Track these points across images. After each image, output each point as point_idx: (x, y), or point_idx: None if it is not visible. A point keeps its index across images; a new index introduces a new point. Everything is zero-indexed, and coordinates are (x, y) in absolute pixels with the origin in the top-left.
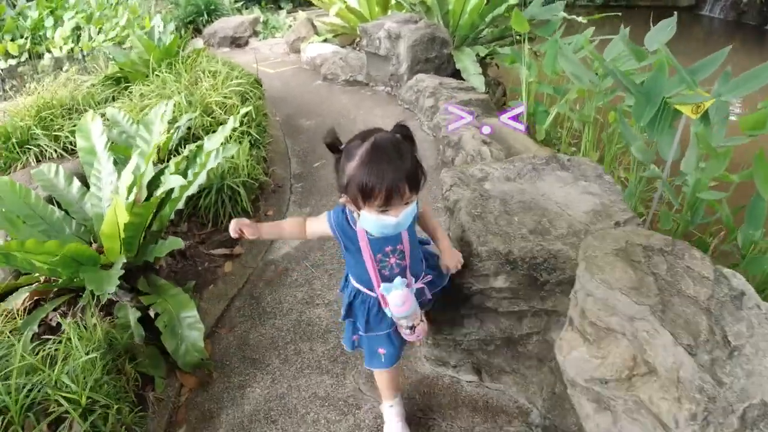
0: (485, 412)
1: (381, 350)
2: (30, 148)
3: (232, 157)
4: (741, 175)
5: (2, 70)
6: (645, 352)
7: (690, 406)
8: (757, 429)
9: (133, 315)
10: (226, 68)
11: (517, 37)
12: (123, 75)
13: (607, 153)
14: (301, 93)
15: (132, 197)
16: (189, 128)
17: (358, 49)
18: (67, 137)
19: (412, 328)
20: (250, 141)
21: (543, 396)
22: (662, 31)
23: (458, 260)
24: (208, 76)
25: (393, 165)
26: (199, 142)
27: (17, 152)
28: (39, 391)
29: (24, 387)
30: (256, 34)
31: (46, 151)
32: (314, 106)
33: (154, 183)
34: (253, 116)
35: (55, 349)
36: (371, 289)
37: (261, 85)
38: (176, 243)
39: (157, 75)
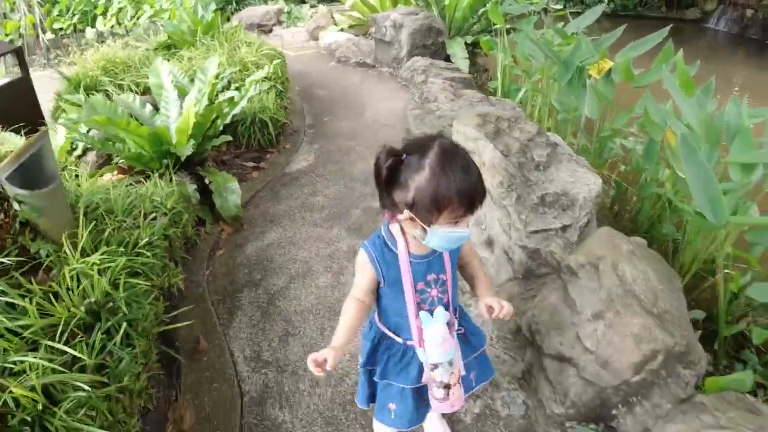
0: None
1: (391, 405)
2: (98, 92)
3: (262, 100)
4: (639, 123)
5: (48, 40)
6: (479, 153)
7: (500, 178)
8: (552, 208)
9: (191, 186)
10: (259, 41)
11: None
12: (172, 43)
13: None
14: (317, 71)
15: (197, 108)
16: (229, 81)
17: (369, 37)
18: (128, 86)
19: (447, 387)
20: (276, 92)
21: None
22: (587, 18)
23: (506, 307)
24: (244, 45)
25: (469, 169)
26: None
27: (87, 96)
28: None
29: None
30: (279, 22)
31: (111, 95)
32: (327, 81)
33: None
34: (279, 74)
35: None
36: (399, 332)
37: (284, 59)
38: (226, 138)
39: (202, 43)
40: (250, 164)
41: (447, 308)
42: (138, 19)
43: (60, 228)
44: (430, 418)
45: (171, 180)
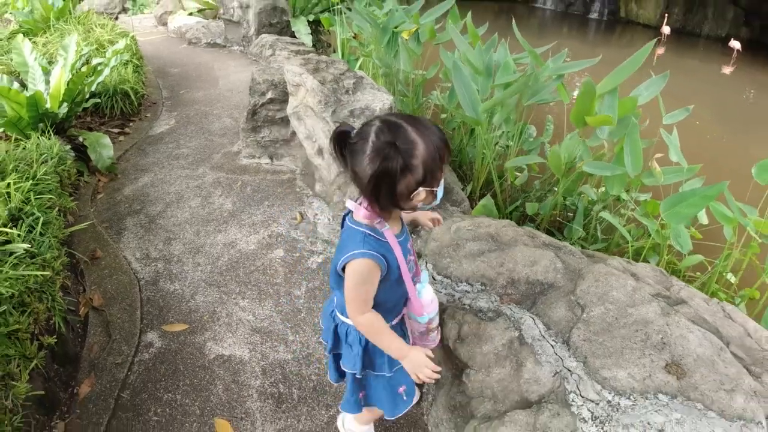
0: (275, 174)
1: (401, 388)
2: None
3: (121, 74)
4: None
5: None
6: (303, 83)
7: (319, 98)
8: (358, 118)
9: (65, 146)
10: (111, 23)
11: (337, 7)
12: (25, 30)
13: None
14: (169, 53)
15: (61, 81)
16: (87, 59)
17: (218, 19)
18: None
19: (438, 326)
20: (132, 67)
21: (302, 162)
22: None
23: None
24: (98, 27)
25: (426, 121)
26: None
27: None
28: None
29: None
30: (125, 10)
31: None
32: (179, 61)
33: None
34: (134, 50)
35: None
36: (389, 318)
37: (135, 38)
38: (95, 101)
39: (56, 28)
40: (116, 130)
41: (417, 267)
42: None
43: None
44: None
45: (50, 138)
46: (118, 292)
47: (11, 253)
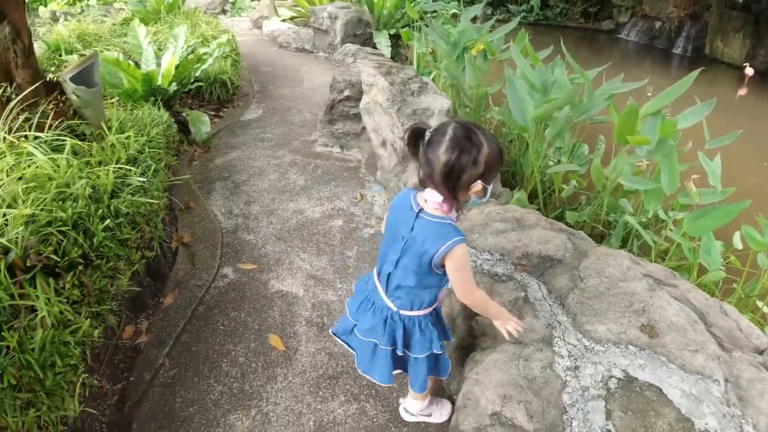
0: (343, 161)
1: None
2: (73, 57)
3: (221, 65)
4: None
5: None
6: (376, 84)
7: (387, 96)
8: (419, 116)
9: (171, 119)
10: (215, 21)
11: (417, 23)
12: (137, 19)
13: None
14: (261, 53)
15: (173, 64)
16: (193, 49)
17: (308, 27)
18: (101, 50)
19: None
20: (231, 61)
21: (367, 154)
22: (472, 12)
23: None
24: (203, 23)
25: (486, 132)
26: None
27: (65, 59)
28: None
29: (135, 116)
30: (224, 11)
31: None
32: (270, 61)
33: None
34: (234, 46)
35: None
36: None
37: (235, 37)
38: (199, 84)
39: (165, 20)
40: (212, 113)
41: None
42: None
43: (98, 118)
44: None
45: (159, 110)
46: (204, 235)
47: (129, 185)
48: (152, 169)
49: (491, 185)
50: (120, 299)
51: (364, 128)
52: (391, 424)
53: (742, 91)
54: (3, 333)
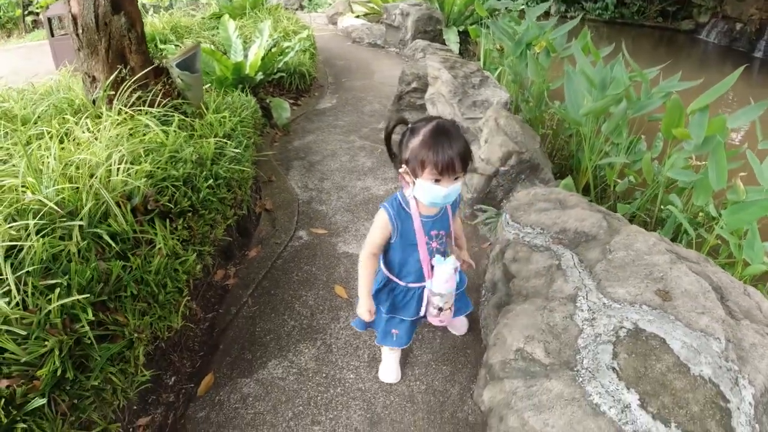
0: None
1: (395, 331)
2: (168, 46)
3: (300, 58)
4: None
5: None
6: (440, 76)
7: (450, 88)
8: (479, 107)
9: (256, 104)
10: (295, 17)
11: (485, 21)
12: (224, 14)
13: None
14: (336, 48)
15: (259, 55)
16: (277, 42)
17: (380, 23)
18: (195, 42)
19: (440, 310)
20: (309, 54)
21: None
22: (536, 11)
23: (473, 264)
24: (285, 19)
25: (449, 143)
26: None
27: (160, 48)
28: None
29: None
30: (301, 7)
31: (178, 47)
32: (344, 55)
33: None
34: (312, 41)
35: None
36: (401, 277)
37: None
38: (282, 74)
39: (250, 15)
40: (291, 101)
41: (444, 257)
42: None
43: (198, 99)
44: (391, 362)
45: (247, 95)
46: (283, 203)
47: (225, 155)
48: (243, 144)
49: (418, 185)
50: (215, 246)
51: None
52: (439, 362)
53: None
54: (129, 256)
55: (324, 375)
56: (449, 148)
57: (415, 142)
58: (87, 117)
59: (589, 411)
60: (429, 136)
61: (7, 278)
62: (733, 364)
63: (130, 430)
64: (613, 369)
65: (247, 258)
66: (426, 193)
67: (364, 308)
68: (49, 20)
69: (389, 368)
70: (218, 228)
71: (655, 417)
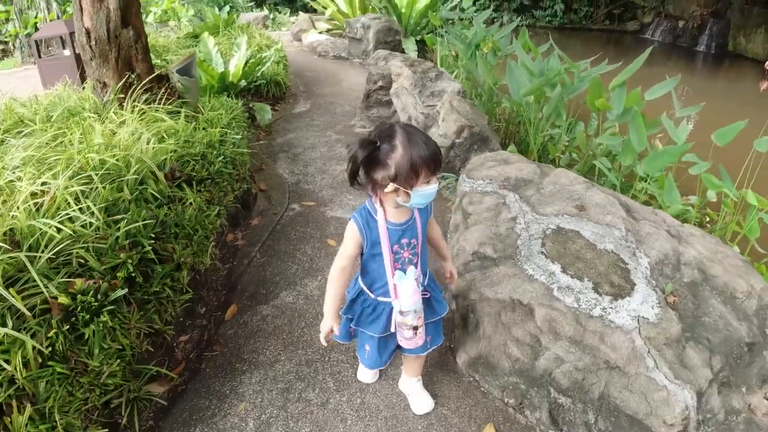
0: None
1: (366, 347)
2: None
3: (275, 69)
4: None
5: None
6: (402, 73)
7: (411, 82)
8: (436, 97)
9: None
10: (266, 33)
11: (439, 30)
12: (197, 33)
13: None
14: (304, 61)
15: (240, 64)
16: (253, 54)
17: (343, 37)
18: (171, 61)
19: (416, 329)
20: (282, 66)
21: None
22: (482, 17)
23: (456, 278)
24: (257, 35)
25: (425, 139)
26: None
27: None
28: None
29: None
30: (265, 26)
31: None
32: (312, 67)
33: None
34: (283, 54)
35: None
36: (373, 290)
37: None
38: (261, 81)
39: (224, 33)
40: (269, 106)
41: (416, 266)
42: (147, 17)
43: (195, 100)
44: (413, 389)
45: (233, 99)
46: (275, 185)
47: (226, 141)
48: (240, 134)
49: (421, 194)
50: (227, 211)
51: (394, 112)
52: None
53: (764, 85)
54: (162, 209)
55: None
56: (430, 144)
57: (397, 155)
58: (103, 116)
59: (525, 279)
60: (407, 142)
61: (87, 208)
62: (632, 244)
63: (174, 344)
64: (542, 253)
65: (251, 225)
66: (423, 197)
67: (325, 327)
68: (37, 43)
69: (364, 370)
70: (229, 195)
71: (572, 277)
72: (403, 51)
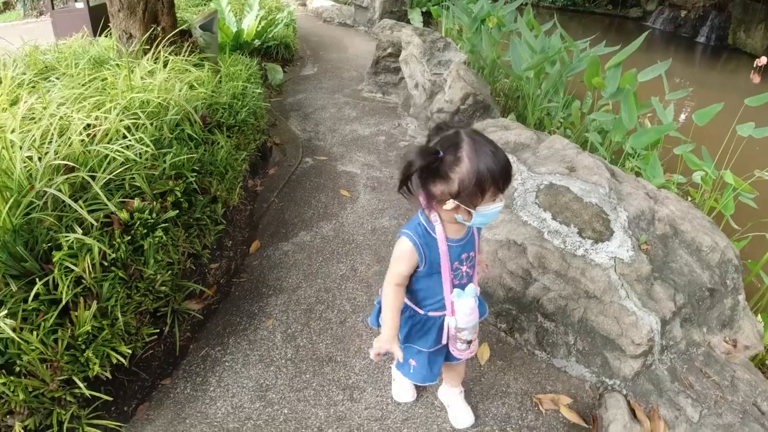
0: (384, 103)
1: (411, 361)
2: None
3: (285, 32)
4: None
5: None
6: (411, 41)
7: (420, 50)
8: (443, 66)
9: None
10: None
11: (445, 3)
12: None
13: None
14: (309, 26)
15: (254, 24)
16: (264, 16)
17: (349, 4)
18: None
19: (470, 342)
20: (291, 29)
21: (403, 98)
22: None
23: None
24: None
25: (494, 149)
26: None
27: None
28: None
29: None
30: None
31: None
32: (317, 33)
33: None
34: (293, 16)
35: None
36: (422, 306)
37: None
38: (274, 41)
39: None
40: (279, 66)
41: (471, 282)
42: None
43: (215, 55)
44: (454, 400)
45: (247, 57)
46: (289, 140)
47: (247, 95)
48: (258, 90)
49: (486, 213)
50: (250, 159)
51: (401, 79)
52: None
53: (756, 79)
54: (200, 148)
55: (341, 239)
56: (499, 155)
57: (462, 170)
58: (131, 65)
59: (520, 224)
60: (474, 154)
61: (141, 139)
62: (613, 200)
63: (206, 270)
64: (535, 203)
65: (268, 174)
66: (486, 217)
67: (383, 346)
68: None
69: (402, 388)
70: (251, 143)
71: (560, 223)
72: (408, 21)
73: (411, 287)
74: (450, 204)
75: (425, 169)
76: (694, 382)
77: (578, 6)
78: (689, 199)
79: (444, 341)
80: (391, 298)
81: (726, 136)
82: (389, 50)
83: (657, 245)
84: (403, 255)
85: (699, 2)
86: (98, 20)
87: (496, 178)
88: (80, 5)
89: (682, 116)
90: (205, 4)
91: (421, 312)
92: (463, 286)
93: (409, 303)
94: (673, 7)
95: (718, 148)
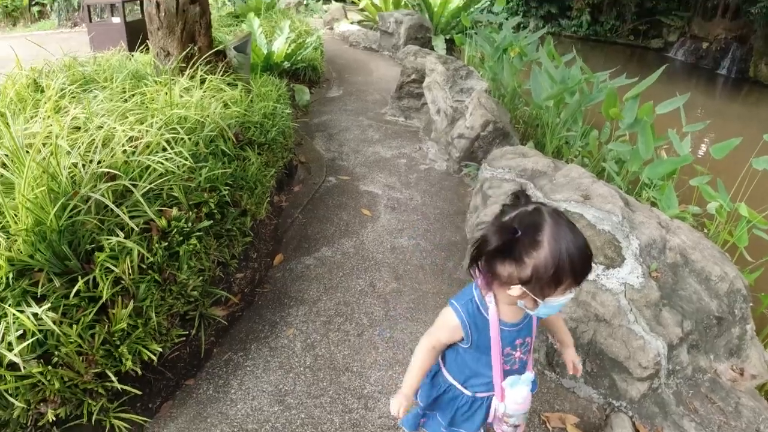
0: (406, 127)
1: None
2: None
3: (313, 55)
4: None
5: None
6: (435, 69)
7: (443, 77)
8: (465, 93)
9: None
10: (305, 19)
11: (469, 31)
12: (239, 14)
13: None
14: (335, 49)
15: (284, 46)
16: (294, 39)
17: (374, 29)
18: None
19: (516, 426)
20: (319, 52)
21: (425, 122)
22: (511, 23)
23: (580, 368)
24: (296, 20)
25: (574, 236)
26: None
27: None
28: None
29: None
30: (298, 12)
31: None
32: (343, 56)
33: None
34: (320, 41)
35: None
36: (468, 386)
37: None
38: (302, 64)
39: (264, 16)
40: (306, 87)
41: (524, 369)
42: None
43: (247, 76)
44: None
45: (276, 78)
46: (314, 159)
47: (277, 114)
48: (287, 110)
49: (544, 305)
50: (277, 176)
51: (424, 104)
52: (436, 250)
53: None
54: (233, 163)
55: (361, 256)
56: (580, 241)
57: (541, 256)
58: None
59: None
60: (555, 240)
61: (180, 153)
62: (625, 228)
63: (232, 279)
64: None
65: (293, 191)
66: (553, 308)
67: (400, 403)
68: (89, 7)
69: None
70: (280, 161)
71: None
72: (432, 48)
73: (457, 358)
74: (516, 290)
75: (499, 248)
76: (698, 407)
77: (600, 36)
78: (704, 230)
79: (490, 420)
80: (421, 357)
81: (743, 168)
82: (413, 76)
83: (667, 273)
84: (446, 326)
85: (720, 34)
86: (134, 35)
87: (576, 270)
88: (117, 20)
89: (702, 147)
90: (236, 25)
91: (468, 393)
92: (514, 372)
93: (452, 382)
94: (695, 39)
95: (734, 180)
